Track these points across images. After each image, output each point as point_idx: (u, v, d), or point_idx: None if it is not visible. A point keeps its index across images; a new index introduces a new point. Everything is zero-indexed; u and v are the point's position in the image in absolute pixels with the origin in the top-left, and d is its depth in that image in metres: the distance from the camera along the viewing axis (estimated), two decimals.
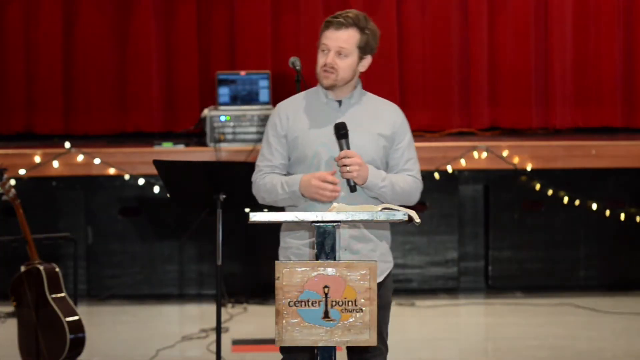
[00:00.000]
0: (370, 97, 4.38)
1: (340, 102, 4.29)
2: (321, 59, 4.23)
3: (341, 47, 4.20)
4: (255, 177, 4.34)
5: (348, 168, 4.11)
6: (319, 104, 4.29)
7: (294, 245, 4.32)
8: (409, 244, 8.56)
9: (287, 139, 4.27)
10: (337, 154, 4.16)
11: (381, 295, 4.28)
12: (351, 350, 4.33)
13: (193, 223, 8.27)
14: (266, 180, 4.28)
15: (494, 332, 7.83)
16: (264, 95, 8.66)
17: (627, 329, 7.64)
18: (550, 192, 8.53)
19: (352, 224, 4.18)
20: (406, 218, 3.79)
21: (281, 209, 4.38)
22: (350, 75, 4.26)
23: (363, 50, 4.26)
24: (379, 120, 4.30)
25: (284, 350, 4.31)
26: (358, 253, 4.25)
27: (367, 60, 4.30)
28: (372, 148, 4.23)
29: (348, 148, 4.15)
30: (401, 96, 9.34)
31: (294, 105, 4.33)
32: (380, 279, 4.29)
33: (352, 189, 4.16)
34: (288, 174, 4.32)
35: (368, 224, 4.26)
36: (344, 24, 4.20)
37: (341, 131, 4.15)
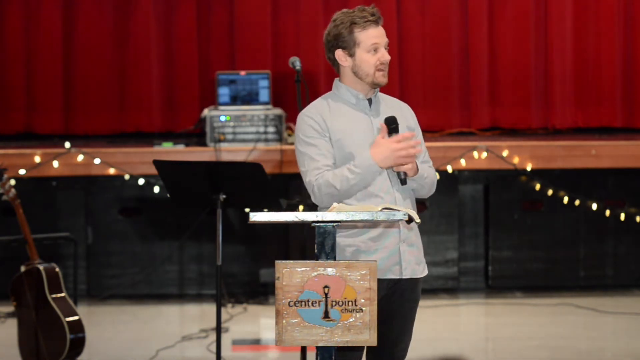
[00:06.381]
0: (384, 95, 4.44)
1: (369, 100, 4.31)
2: (372, 59, 4.23)
3: (387, 41, 4.28)
4: (312, 179, 4.20)
5: (406, 159, 4.14)
6: (349, 104, 4.31)
7: (346, 243, 4.27)
8: None
9: (331, 140, 4.25)
10: None
11: (419, 291, 4.33)
12: (370, 349, 4.26)
13: (193, 223, 8.28)
14: (327, 175, 4.17)
15: (494, 332, 7.83)
16: (264, 95, 8.66)
17: (627, 329, 7.64)
18: (550, 192, 8.53)
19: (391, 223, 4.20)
20: (406, 218, 3.79)
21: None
22: None
23: None
24: (403, 115, 4.37)
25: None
26: (413, 246, 4.29)
27: None
28: None
29: None
30: (401, 96, 9.33)
31: (322, 109, 4.30)
32: (425, 272, 4.36)
33: (403, 182, 4.20)
34: None
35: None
36: (380, 19, 4.27)
37: (392, 125, 4.19)
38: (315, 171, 4.19)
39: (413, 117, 4.42)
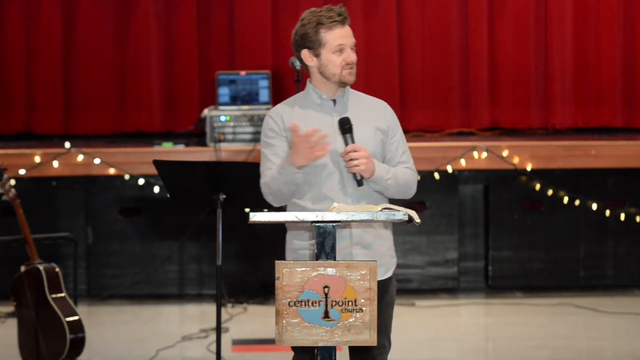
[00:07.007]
0: (358, 93, 4.40)
1: (334, 100, 4.29)
2: (338, 59, 4.20)
3: (354, 42, 4.24)
4: (261, 180, 4.28)
5: (355, 162, 4.11)
6: (313, 105, 4.29)
7: (299, 246, 4.31)
8: (409, 244, 8.56)
9: (288, 139, 4.26)
10: (340, 151, 4.16)
11: (388, 291, 4.30)
12: (353, 349, 4.33)
13: (193, 223, 8.27)
14: (268, 176, 4.23)
15: (494, 332, 7.83)
16: (264, 95, 8.66)
17: (627, 329, 7.64)
18: (550, 192, 8.53)
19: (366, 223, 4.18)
20: (406, 218, 3.78)
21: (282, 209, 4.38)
22: None
23: None
24: (374, 115, 4.32)
25: (296, 349, 4.29)
26: (369, 248, 4.26)
27: None
28: (372, 142, 4.25)
29: (353, 142, 4.15)
30: (401, 96, 9.34)
31: (284, 110, 4.32)
32: (389, 274, 4.33)
33: (359, 183, 4.17)
34: None
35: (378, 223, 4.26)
36: (347, 19, 4.23)
37: (345, 126, 4.16)
38: (267, 171, 4.24)
39: (390, 117, 4.35)
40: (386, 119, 4.33)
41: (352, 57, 4.21)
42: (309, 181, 4.23)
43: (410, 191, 4.34)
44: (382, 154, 4.30)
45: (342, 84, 4.25)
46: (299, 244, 4.31)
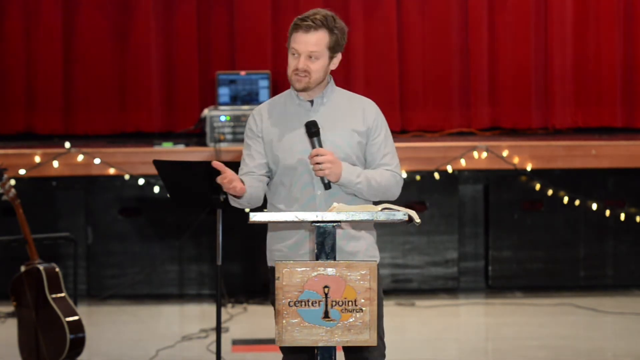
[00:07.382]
0: (343, 93, 4.37)
1: (312, 102, 4.29)
2: (292, 63, 4.21)
3: (312, 50, 4.19)
4: None
5: (320, 166, 4.12)
6: (292, 105, 4.30)
7: (275, 248, 4.32)
8: (409, 244, 8.56)
9: (264, 140, 4.28)
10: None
11: None
12: (348, 350, 4.33)
13: (193, 223, 8.27)
14: None
15: (494, 332, 7.83)
16: (264, 95, 8.66)
17: (627, 329, 7.64)
18: (550, 192, 8.53)
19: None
20: (406, 218, 3.78)
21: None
22: (323, 76, 4.25)
23: (333, 49, 4.24)
24: (352, 117, 4.30)
25: (284, 350, 4.31)
26: (340, 252, 4.24)
27: (338, 59, 4.29)
28: (346, 145, 4.24)
29: (320, 146, 4.15)
30: (401, 96, 9.34)
31: (269, 108, 4.34)
32: None
33: (327, 186, 4.16)
34: (269, 171, 4.32)
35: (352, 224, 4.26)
36: (313, 27, 4.18)
37: (312, 129, 4.16)
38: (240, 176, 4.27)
39: (372, 118, 4.30)
40: (366, 121, 4.30)
41: (301, 64, 4.18)
42: (283, 182, 4.26)
43: (390, 194, 4.31)
44: (360, 156, 4.29)
45: (295, 89, 4.26)
46: (275, 245, 4.32)
